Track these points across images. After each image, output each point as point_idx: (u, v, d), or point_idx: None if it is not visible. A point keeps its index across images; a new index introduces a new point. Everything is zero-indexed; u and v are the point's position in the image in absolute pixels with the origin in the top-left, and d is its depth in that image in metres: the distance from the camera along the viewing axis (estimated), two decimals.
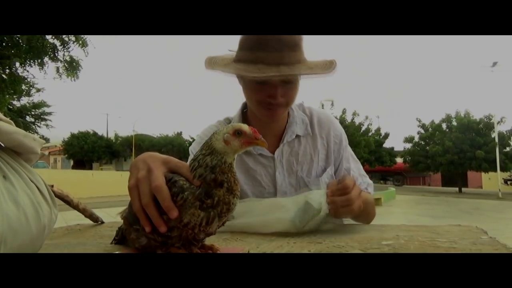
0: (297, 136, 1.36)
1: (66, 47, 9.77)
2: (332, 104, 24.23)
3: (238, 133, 0.71)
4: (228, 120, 1.44)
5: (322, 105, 22.75)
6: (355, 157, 1.43)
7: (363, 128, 26.57)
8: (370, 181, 1.40)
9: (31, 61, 9.68)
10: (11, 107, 17.83)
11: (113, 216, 1.21)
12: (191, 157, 1.30)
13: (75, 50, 10.10)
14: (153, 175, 0.69)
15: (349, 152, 1.41)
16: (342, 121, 23.93)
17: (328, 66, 1.21)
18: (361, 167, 1.42)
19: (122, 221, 0.82)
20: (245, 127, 0.71)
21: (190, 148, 1.37)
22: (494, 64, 23.79)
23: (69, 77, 10.03)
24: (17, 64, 9.41)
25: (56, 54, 9.78)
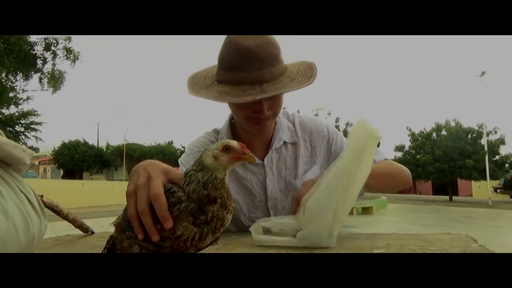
0: (284, 142, 1.37)
1: (55, 60, 9.80)
2: (329, 113, 24.43)
3: (226, 149, 0.72)
4: (217, 132, 1.44)
5: (316, 114, 22.91)
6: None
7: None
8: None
9: (19, 72, 9.68)
10: (0, 116, 17.68)
11: (103, 226, 1.20)
12: (181, 168, 1.29)
13: (65, 63, 10.13)
14: (153, 183, 0.70)
15: (341, 137, 1.42)
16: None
17: (309, 73, 1.20)
18: None
19: (112, 231, 0.82)
20: (233, 143, 0.72)
21: (180, 160, 1.37)
22: (483, 73, 24.15)
23: (51, 88, 10.03)
24: (3, 73, 9.40)
25: (43, 66, 9.79)
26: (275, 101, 1.21)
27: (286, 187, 1.34)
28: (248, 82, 1.12)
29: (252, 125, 1.24)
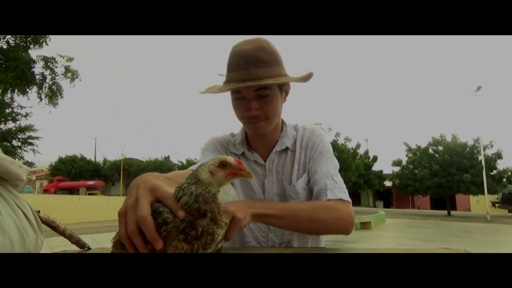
0: (287, 148, 1.41)
1: (54, 77, 9.88)
2: (330, 129, 24.54)
3: (223, 164, 0.72)
4: (232, 135, 1.53)
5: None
6: (333, 162, 1.38)
7: (351, 151, 26.90)
8: (334, 185, 1.27)
9: (17, 87, 9.73)
10: None
11: (99, 242, 1.19)
12: (202, 157, 1.40)
13: (64, 81, 10.20)
14: (139, 204, 0.69)
15: (324, 157, 1.38)
16: (334, 144, 24.11)
17: (295, 78, 1.28)
18: (336, 172, 1.34)
19: (109, 247, 0.81)
20: (230, 159, 0.72)
21: (201, 149, 1.46)
22: (478, 88, 24.39)
23: (50, 104, 10.10)
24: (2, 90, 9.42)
25: (42, 84, 9.87)
26: (265, 103, 1.27)
27: (282, 191, 1.38)
28: (235, 80, 1.23)
29: (247, 124, 1.32)
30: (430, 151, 27.17)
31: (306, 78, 1.28)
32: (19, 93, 10.00)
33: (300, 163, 1.40)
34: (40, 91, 10.02)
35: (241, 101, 1.28)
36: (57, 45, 10.02)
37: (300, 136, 1.44)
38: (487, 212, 21.84)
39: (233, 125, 1.45)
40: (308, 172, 1.38)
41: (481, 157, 23.89)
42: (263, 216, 1.09)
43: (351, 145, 27.43)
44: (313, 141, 1.41)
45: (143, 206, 0.69)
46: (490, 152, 25.11)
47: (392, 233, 13.88)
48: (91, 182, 35.45)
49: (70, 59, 10.01)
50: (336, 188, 1.26)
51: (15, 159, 0.81)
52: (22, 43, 9.39)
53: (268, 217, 1.10)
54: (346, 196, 1.26)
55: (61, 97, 10.22)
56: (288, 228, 1.24)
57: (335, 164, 1.38)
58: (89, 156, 44.56)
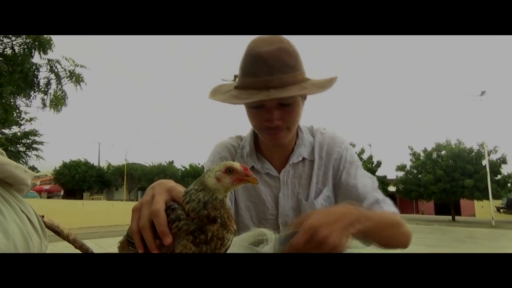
0: (304, 158, 1.31)
1: (60, 81, 9.94)
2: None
3: (229, 170, 0.72)
4: (240, 138, 1.41)
5: None
6: (368, 173, 1.30)
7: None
8: (384, 197, 1.22)
9: (23, 91, 9.80)
10: (1, 135, 17.73)
11: (103, 247, 1.19)
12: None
13: (68, 85, 10.26)
14: (155, 200, 0.71)
15: (356, 167, 1.29)
16: None
17: (326, 84, 1.16)
18: (376, 183, 1.27)
19: (112, 252, 0.81)
20: (236, 165, 0.73)
21: (205, 167, 1.31)
22: (483, 93, 24.31)
23: (52, 110, 10.17)
24: (8, 92, 9.47)
25: (48, 88, 9.93)
26: (287, 112, 1.16)
27: (297, 205, 1.28)
28: (255, 87, 1.10)
29: (266, 135, 1.21)
30: (434, 156, 27.06)
31: (330, 82, 1.16)
32: (26, 98, 10.08)
33: (319, 175, 1.30)
34: (45, 96, 10.09)
35: (259, 110, 1.16)
36: (57, 46, 10.03)
37: (319, 143, 1.33)
38: (492, 218, 21.67)
39: (236, 127, 1.40)
40: (339, 185, 1.27)
41: (485, 162, 23.76)
42: (360, 233, 0.97)
43: (355, 150, 27.45)
44: (338, 151, 1.31)
45: (158, 201, 0.71)
46: (494, 157, 24.97)
47: None
48: (46, 187, 39.53)
49: (77, 65, 10.08)
50: (387, 200, 1.21)
51: (19, 163, 0.81)
52: (26, 49, 9.46)
53: (363, 234, 0.98)
54: (396, 209, 1.20)
55: (65, 105, 10.29)
56: (367, 241, 1.09)
57: (367, 172, 1.30)
58: (93, 161, 44.54)
